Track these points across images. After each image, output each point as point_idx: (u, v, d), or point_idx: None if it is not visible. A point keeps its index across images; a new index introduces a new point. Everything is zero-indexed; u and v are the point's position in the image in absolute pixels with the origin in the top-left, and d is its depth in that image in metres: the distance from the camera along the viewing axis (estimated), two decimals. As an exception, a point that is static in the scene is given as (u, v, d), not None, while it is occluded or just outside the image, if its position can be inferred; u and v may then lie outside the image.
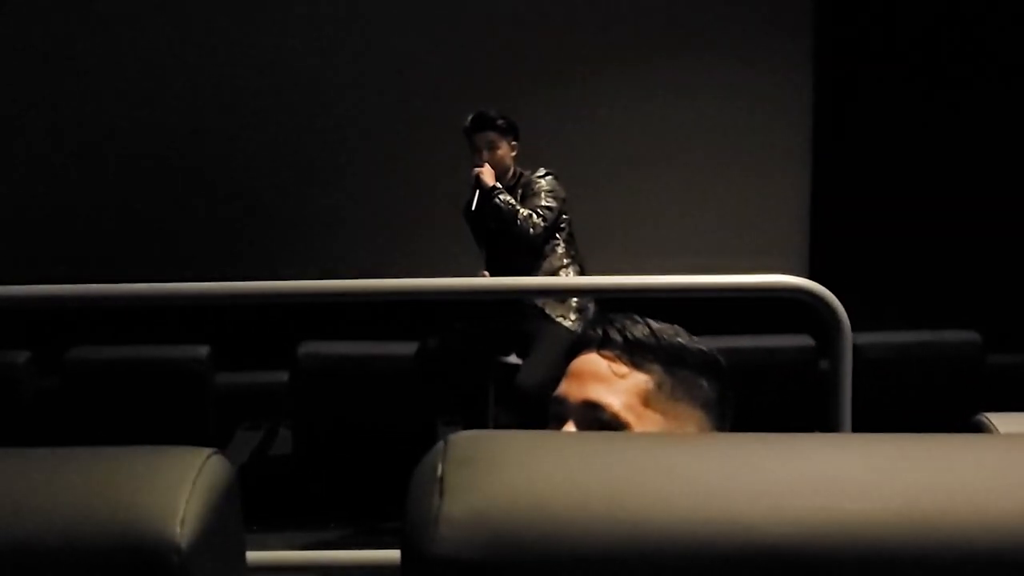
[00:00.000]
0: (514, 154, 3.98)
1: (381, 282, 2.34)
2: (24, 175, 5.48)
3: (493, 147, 3.93)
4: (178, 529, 0.60)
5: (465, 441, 0.65)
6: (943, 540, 0.60)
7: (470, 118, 3.98)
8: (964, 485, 0.63)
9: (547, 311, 3.84)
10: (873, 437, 0.70)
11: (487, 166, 3.90)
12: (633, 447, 0.66)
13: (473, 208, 3.90)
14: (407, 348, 4.06)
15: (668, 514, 0.61)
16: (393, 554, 0.65)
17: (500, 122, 3.95)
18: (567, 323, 3.82)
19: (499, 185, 3.87)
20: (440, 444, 0.66)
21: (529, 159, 4.03)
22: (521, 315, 3.87)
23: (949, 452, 0.67)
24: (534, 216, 3.81)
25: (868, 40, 5.35)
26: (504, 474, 0.62)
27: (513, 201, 3.84)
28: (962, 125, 5.28)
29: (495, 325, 3.96)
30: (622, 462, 0.64)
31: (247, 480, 3.41)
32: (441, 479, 0.62)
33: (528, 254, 3.87)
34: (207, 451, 0.66)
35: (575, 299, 3.87)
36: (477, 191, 3.87)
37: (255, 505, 4.10)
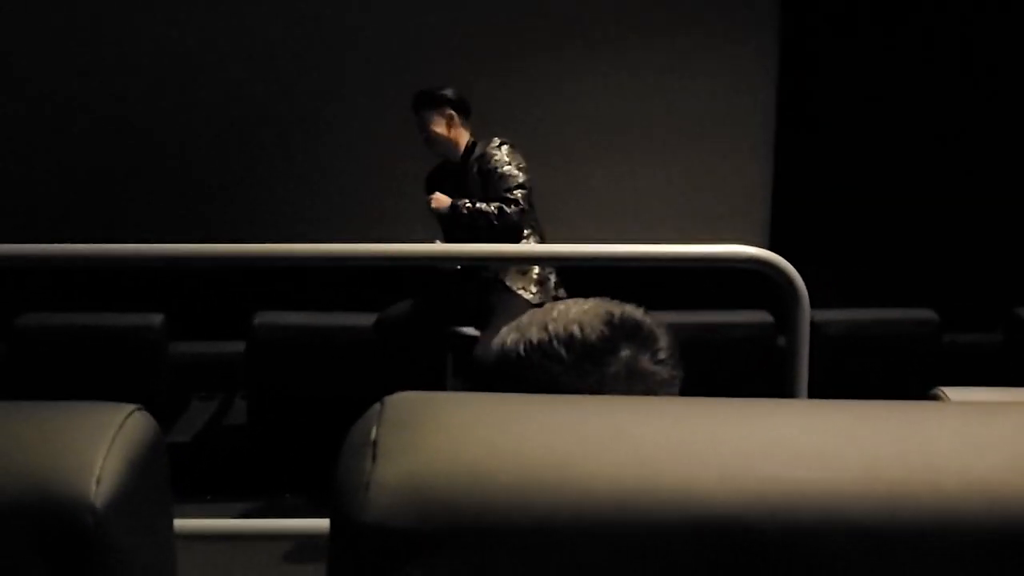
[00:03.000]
0: (454, 124, 3.86)
1: (339, 247, 2.30)
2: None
3: (425, 123, 3.84)
4: (93, 487, 0.56)
5: (402, 403, 0.62)
6: (898, 508, 0.58)
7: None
8: (919, 452, 0.61)
9: (507, 283, 3.80)
10: (828, 403, 0.68)
11: (435, 196, 3.82)
12: (578, 410, 0.64)
13: (446, 237, 3.83)
14: (364, 319, 4.02)
15: (613, 481, 0.58)
16: (325, 523, 0.61)
17: (428, 96, 3.85)
18: (527, 295, 3.78)
19: (456, 201, 3.76)
20: (376, 406, 0.63)
21: (493, 134, 3.94)
22: (481, 287, 3.84)
23: (904, 419, 0.65)
24: (505, 206, 3.73)
25: (834, 13, 5.35)
26: (441, 437, 0.59)
27: (477, 205, 3.72)
28: (925, 103, 5.30)
29: (454, 297, 3.92)
30: (566, 426, 0.61)
31: (202, 450, 3.37)
32: (375, 443, 0.59)
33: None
34: (130, 407, 0.63)
35: (536, 271, 3.83)
36: (441, 218, 3.80)
37: (210, 474, 4.06)
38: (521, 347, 1.12)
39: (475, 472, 0.57)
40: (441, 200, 3.80)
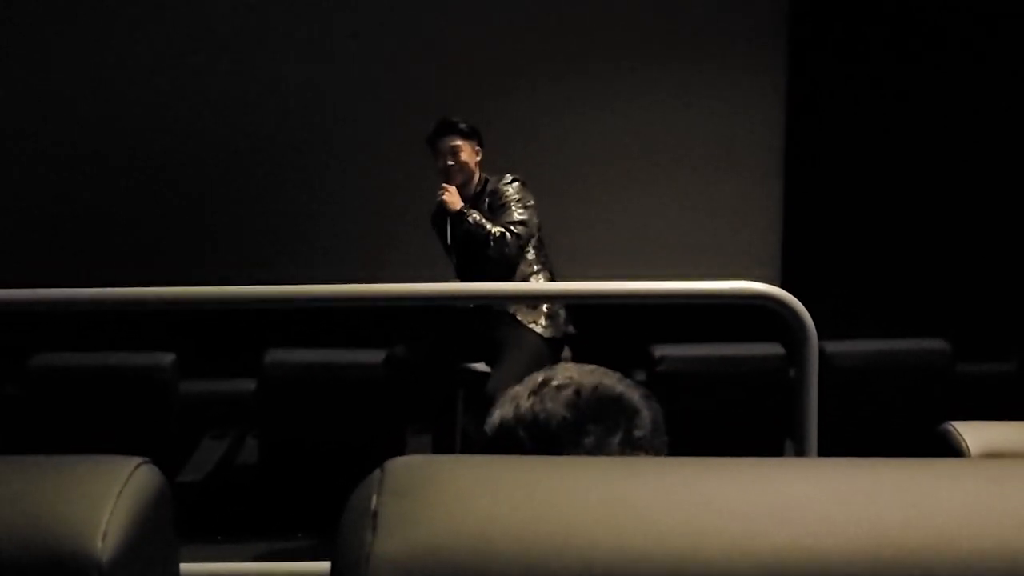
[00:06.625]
0: (478, 159, 3.93)
1: (349, 287, 2.31)
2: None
3: (457, 152, 3.88)
4: (99, 543, 0.56)
5: (403, 468, 0.61)
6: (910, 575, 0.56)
7: (433, 125, 3.95)
8: (933, 516, 0.59)
9: (518, 317, 3.80)
10: (837, 462, 0.66)
11: (451, 189, 3.84)
12: (584, 474, 0.63)
13: (449, 241, 3.84)
14: (375, 356, 4.01)
15: (618, 549, 0.57)
16: (327, 565, 0.61)
17: (463, 126, 3.91)
18: (538, 329, 3.78)
19: (466, 208, 3.80)
20: (376, 472, 0.61)
21: (499, 164, 3.98)
22: (491, 322, 3.84)
23: (919, 480, 0.63)
24: (508, 235, 3.75)
25: (842, 49, 5.36)
26: (443, 506, 0.58)
27: (483, 221, 3.76)
28: (934, 135, 5.30)
29: (464, 332, 3.92)
30: (570, 491, 0.60)
31: (213, 489, 3.36)
32: (375, 513, 0.58)
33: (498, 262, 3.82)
34: (136, 460, 0.63)
35: (546, 306, 3.83)
36: (447, 214, 3.81)
37: (221, 514, 4.04)
38: (496, 427, 1.11)
39: (478, 543, 0.56)
40: (454, 199, 3.80)
